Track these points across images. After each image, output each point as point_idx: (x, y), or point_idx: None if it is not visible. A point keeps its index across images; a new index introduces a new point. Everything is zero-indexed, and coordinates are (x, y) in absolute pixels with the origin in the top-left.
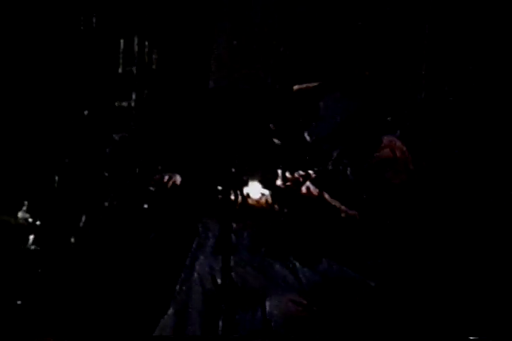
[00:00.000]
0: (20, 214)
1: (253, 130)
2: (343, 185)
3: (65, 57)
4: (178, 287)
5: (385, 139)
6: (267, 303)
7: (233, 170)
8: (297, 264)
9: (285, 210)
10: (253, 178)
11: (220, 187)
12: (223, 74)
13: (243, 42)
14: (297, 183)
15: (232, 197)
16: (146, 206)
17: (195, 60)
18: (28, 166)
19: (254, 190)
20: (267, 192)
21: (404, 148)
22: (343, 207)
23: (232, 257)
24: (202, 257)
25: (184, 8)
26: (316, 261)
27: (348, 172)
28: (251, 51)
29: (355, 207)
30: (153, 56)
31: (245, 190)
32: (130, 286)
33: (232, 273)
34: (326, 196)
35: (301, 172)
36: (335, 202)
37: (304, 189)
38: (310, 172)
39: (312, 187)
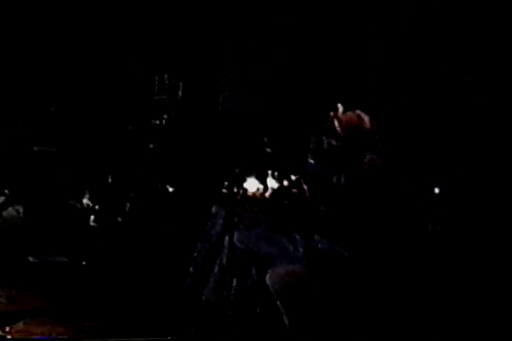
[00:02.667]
0: (84, 200)
1: (251, 142)
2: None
3: (121, 90)
4: (195, 255)
5: (368, 156)
6: (270, 271)
7: (236, 170)
8: (297, 238)
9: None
10: (250, 176)
11: (226, 183)
12: (229, 101)
13: (245, 79)
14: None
15: (235, 190)
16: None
17: (208, 90)
18: (90, 167)
19: (252, 185)
20: (261, 186)
21: (380, 163)
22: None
23: (249, 232)
24: (214, 233)
25: (200, 53)
26: (310, 236)
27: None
28: (250, 86)
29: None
30: (179, 88)
31: (244, 185)
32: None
33: (248, 243)
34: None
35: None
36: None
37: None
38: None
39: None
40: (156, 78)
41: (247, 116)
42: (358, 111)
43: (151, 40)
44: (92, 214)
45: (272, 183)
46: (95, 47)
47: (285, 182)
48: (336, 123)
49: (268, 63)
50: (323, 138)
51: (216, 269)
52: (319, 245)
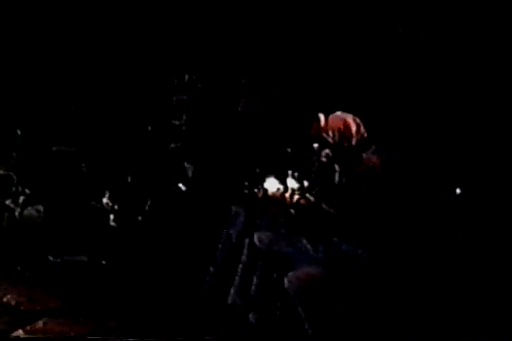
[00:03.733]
0: (104, 200)
1: (271, 142)
2: (336, 188)
3: (141, 90)
4: (217, 253)
5: (364, 156)
6: (290, 274)
7: (256, 170)
8: (317, 240)
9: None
10: (270, 176)
11: (246, 183)
12: (250, 101)
13: (265, 79)
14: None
15: (255, 190)
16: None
17: (228, 90)
18: (110, 167)
19: (272, 185)
20: (281, 186)
21: (378, 162)
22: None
23: (269, 232)
24: (234, 233)
25: (220, 54)
26: (330, 239)
27: (340, 178)
28: (270, 86)
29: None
30: (199, 88)
31: (265, 185)
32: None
33: (269, 244)
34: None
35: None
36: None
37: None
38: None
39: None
40: (176, 79)
41: (267, 116)
42: (340, 115)
43: (172, 41)
44: (112, 213)
45: (292, 183)
46: (117, 47)
47: (305, 183)
48: (324, 133)
49: (286, 64)
50: (316, 147)
51: (237, 271)
52: (339, 247)
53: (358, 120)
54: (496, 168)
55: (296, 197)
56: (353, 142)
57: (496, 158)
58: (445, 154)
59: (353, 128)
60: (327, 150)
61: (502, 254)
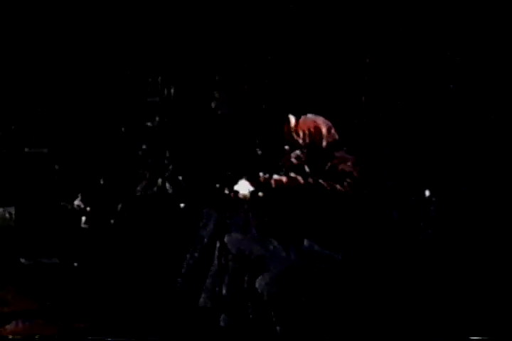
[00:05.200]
0: (75, 202)
1: (242, 144)
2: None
3: (113, 91)
4: (187, 256)
5: (337, 155)
6: (262, 276)
7: (227, 172)
8: (287, 243)
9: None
10: (241, 178)
11: (217, 185)
12: (221, 103)
13: (237, 81)
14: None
15: (227, 192)
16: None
17: (200, 92)
18: (81, 168)
19: (243, 187)
20: (252, 188)
21: (352, 160)
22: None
23: (241, 235)
24: (205, 235)
25: (193, 55)
26: (302, 241)
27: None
28: (242, 88)
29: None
30: (172, 90)
31: (236, 187)
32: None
33: (240, 247)
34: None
35: (276, 177)
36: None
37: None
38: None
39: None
40: (149, 80)
41: (238, 118)
42: (311, 117)
43: (144, 42)
44: (84, 215)
45: (262, 185)
46: (88, 49)
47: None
48: (295, 135)
49: (259, 65)
50: (286, 148)
51: (209, 273)
52: (312, 249)
53: (328, 122)
54: (473, 166)
55: (267, 198)
56: (324, 143)
57: (473, 155)
58: (422, 154)
59: (324, 130)
60: (297, 152)
61: (476, 255)
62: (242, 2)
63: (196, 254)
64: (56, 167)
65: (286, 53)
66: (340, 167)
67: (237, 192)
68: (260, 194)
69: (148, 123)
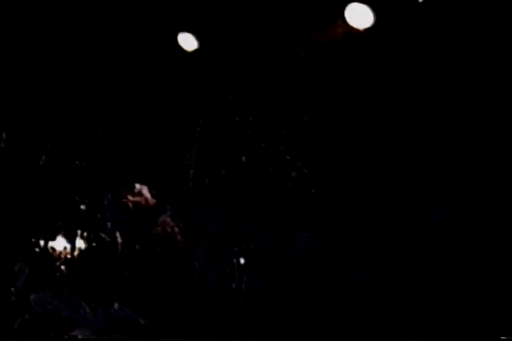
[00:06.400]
0: None
1: (64, 199)
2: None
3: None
4: None
5: (160, 219)
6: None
7: (44, 228)
8: (96, 305)
9: None
10: (59, 234)
11: (33, 240)
12: (50, 156)
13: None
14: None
15: (42, 248)
16: None
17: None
18: None
19: (59, 243)
20: (68, 245)
21: (173, 224)
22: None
23: (51, 294)
24: (14, 291)
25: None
26: (110, 303)
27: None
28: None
29: None
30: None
31: (52, 243)
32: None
33: (49, 306)
34: None
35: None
36: None
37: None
38: None
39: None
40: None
41: (67, 170)
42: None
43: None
44: None
45: (80, 243)
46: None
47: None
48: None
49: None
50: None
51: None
52: (119, 313)
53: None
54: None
55: (81, 256)
56: (148, 206)
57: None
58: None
59: (147, 195)
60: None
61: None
62: None
63: (4, 311)
64: None
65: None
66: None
67: (53, 248)
68: (76, 253)
69: None
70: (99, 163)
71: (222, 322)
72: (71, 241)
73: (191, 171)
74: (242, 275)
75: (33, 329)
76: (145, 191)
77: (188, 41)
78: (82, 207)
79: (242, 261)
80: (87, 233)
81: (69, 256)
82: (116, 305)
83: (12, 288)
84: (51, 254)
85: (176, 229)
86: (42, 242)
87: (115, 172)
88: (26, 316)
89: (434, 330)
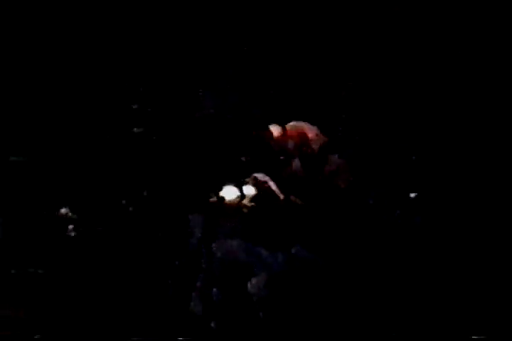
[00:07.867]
0: (62, 210)
1: (228, 150)
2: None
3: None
4: (176, 263)
5: (330, 158)
6: (250, 282)
7: (214, 178)
8: (274, 249)
9: (258, 207)
10: (228, 184)
11: (203, 191)
12: (206, 108)
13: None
14: (264, 185)
15: (213, 199)
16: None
17: (184, 97)
18: (67, 176)
19: (229, 193)
20: (238, 194)
21: (343, 163)
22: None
23: (228, 241)
24: (192, 242)
25: (177, 56)
26: (287, 247)
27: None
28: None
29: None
30: (153, 96)
31: (222, 193)
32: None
33: (227, 253)
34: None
35: (266, 178)
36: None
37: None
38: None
39: (275, 187)
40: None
41: (223, 122)
42: (295, 124)
43: (123, 45)
44: (71, 224)
45: (249, 191)
46: (66, 55)
47: (261, 190)
48: (282, 142)
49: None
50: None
51: (198, 279)
52: (298, 255)
53: (314, 127)
54: (459, 170)
55: (253, 204)
56: (314, 147)
57: (459, 160)
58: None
59: (310, 135)
60: (297, 162)
61: (457, 261)
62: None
63: (184, 261)
64: (41, 175)
65: (271, 56)
66: (332, 170)
67: (223, 199)
68: (247, 201)
69: (133, 129)
70: None
71: None
72: (241, 189)
73: None
74: None
75: (213, 278)
76: None
77: None
78: (243, 158)
79: None
80: (256, 181)
81: (240, 204)
82: (296, 248)
83: (190, 239)
84: (222, 204)
85: (345, 167)
86: (212, 193)
87: None
88: (209, 266)
89: (430, 330)
